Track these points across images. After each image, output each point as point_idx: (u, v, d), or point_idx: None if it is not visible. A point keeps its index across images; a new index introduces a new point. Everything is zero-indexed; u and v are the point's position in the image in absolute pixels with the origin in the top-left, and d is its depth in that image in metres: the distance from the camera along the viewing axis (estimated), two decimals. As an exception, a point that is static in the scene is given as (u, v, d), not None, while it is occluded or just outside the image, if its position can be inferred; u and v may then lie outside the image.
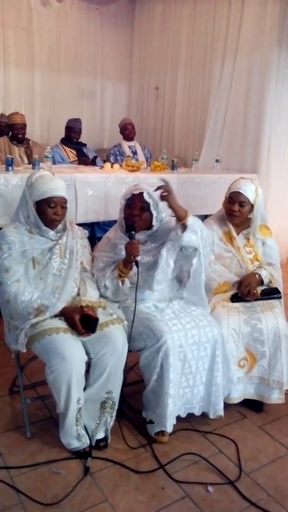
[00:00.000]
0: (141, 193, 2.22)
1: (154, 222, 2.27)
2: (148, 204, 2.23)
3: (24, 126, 4.56)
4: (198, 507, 1.83)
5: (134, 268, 2.15)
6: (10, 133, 4.58)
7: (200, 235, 2.17)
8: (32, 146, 4.65)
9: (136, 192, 2.23)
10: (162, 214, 2.31)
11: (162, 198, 2.18)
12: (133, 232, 2.19)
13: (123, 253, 2.19)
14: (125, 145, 5.26)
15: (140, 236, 2.25)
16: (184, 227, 2.14)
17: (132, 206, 2.24)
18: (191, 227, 2.14)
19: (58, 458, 2.04)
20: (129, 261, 2.14)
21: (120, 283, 2.17)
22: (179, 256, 2.24)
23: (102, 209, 3.76)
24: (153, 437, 2.18)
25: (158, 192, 2.20)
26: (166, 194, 2.16)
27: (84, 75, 6.28)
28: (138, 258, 2.13)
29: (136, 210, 2.23)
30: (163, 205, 2.26)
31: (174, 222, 2.27)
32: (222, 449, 2.17)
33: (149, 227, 2.30)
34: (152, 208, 2.24)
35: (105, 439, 2.12)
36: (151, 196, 2.23)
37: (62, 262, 2.18)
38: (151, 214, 2.26)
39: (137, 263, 2.13)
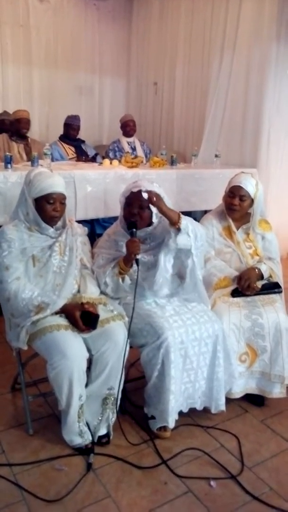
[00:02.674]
0: (140, 191, 2.20)
1: (154, 219, 2.26)
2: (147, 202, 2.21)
3: (29, 121, 4.59)
4: (201, 501, 1.84)
5: (135, 265, 2.14)
6: (10, 131, 4.58)
7: (193, 236, 2.14)
8: (31, 143, 4.64)
9: (135, 190, 2.21)
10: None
11: (152, 204, 2.14)
12: (134, 229, 2.18)
13: (124, 250, 2.19)
14: (124, 141, 5.25)
15: (140, 233, 2.23)
16: (177, 230, 2.13)
17: (131, 204, 2.23)
18: (184, 230, 2.12)
19: (60, 455, 2.04)
20: (129, 259, 2.13)
21: (120, 280, 2.17)
22: (178, 253, 2.23)
23: (102, 206, 3.75)
24: (155, 433, 2.19)
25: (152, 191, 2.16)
26: (154, 200, 2.12)
27: (82, 71, 6.25)
28: (139, 257, 2.12)
29: (135, 208, 2.21)
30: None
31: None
32: (224, 444, 2.18)
33: (150, 223, 2.29)
34: (151, 205, 2.23)
35: (107, 435, 2.13)
36: (150, 193, 2.21)
37: (62, 259, 2.18)
38: (151, 211, 2.25)
39: (137, 261, 2.12)
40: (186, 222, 2.13)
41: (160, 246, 2.24)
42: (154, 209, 2.23)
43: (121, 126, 5.31)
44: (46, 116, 6.00)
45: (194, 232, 2.15)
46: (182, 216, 2.14)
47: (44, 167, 3.32)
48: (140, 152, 5.23)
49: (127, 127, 5.25)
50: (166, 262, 2.21)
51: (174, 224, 2.12)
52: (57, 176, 2.17)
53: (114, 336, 2.05)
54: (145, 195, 2.16)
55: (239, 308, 2.38)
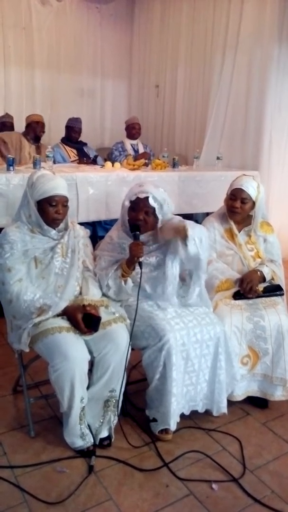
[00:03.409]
0: (147, 197, 2.19)
1: (159, 225, 2.26)
2: (154, 208, 2.20)
3: (44, 125, 4.59)
4: (203, 504, 1.84)
5: (137, 268, 2.14)
6: (25, 131, 4.60)
7: (199, 242, 2.12)
8: (41, 147, 4.66)
9: (141, 196, 2.20)
10: (167, 216, 2.28)
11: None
12: (137, 232, 2.18)
13: (126, 252, 2.19)
14: (128, 143, 5.26)
15: (143, 236, 2.23)
16: (185, 239, 2.09)
17: (137, 210, 2.22)
18: (191, 237, 2.09)
19: (62, 457, 2.04)
20: (132, 262, 2.14)
21: (122, 282, 2.17)
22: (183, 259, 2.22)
23: (104, 208, 3.76)
24: (157, 435, 2.19)
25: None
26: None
27: (84, 74, 6.27)
28: (142, 259, 2.12)
29: (141, 214, 2.21)
30: (168, 207, 2.25)
31: (174, 219, 2.25)
32: (226, 447, 2.18)
33: (153, 228, 2.29)
34: (157, 212, 2.21)
35: (109, 437, 2.12)
36: (156, 199, 2.20)
37: (64, 261, 2.18)
38: (156, 217, 2.24)
39: (140, 264, 2.12)
40: (191, 231, 2.08)
41: (163, 247, 2.24)
42: (159, 216, 2.22)
43: (126, 128, 5.32)
44: (48, 119, 5.95)
45: (200, 237, 2.13)
46: (186, 228, 2.08)
47: (46, 169, 3.32)
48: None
49: (133, 130, 5.26)
50: (173, 270, 2.20)
51: (181, 236, 2.09)
52: (60, 179, 2.18)
53: (116, 338, 2.05)
54: (152, 202, 2.16)
55: (241, 311, 2.38)
